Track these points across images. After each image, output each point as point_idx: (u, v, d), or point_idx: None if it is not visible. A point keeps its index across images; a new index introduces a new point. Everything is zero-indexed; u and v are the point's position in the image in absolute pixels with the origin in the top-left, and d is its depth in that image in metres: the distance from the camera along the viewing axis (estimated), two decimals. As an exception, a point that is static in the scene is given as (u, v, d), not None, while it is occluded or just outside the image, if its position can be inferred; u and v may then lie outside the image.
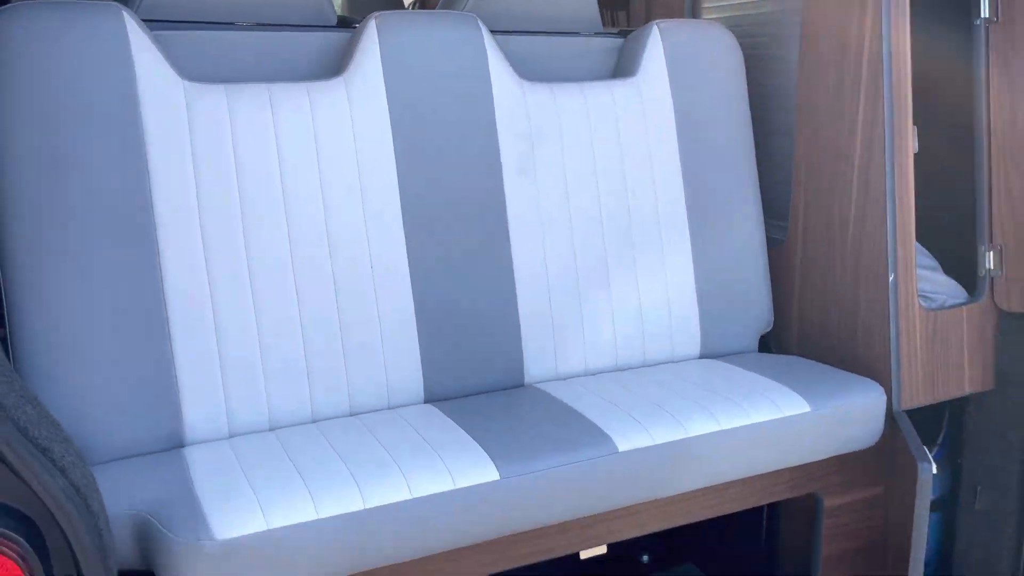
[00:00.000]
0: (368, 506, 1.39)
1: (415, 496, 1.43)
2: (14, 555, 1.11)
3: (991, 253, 2.06)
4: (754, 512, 2.14)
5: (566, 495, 1.56)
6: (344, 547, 1.38)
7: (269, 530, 1.32)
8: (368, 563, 1.42)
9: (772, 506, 2.11)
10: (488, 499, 1.48)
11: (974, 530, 2.17)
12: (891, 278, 1.93)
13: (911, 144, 1.94)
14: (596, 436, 1.61)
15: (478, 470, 1.49)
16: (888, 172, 1.92)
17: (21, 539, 1.11)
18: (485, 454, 1.51)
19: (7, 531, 1.11)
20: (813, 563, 1.97)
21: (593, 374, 1.98)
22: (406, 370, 1.79)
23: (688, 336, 2.08)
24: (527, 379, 1.91)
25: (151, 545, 1.34)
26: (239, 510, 1.33)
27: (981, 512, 2.15)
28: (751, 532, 2.17)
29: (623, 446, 1.59)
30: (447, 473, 1.47)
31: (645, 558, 2.43)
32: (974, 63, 2.02)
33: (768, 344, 2.23)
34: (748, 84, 2.18)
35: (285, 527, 1.33)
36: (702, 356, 2.10)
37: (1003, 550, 2.12)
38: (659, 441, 1.62)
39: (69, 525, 1.15)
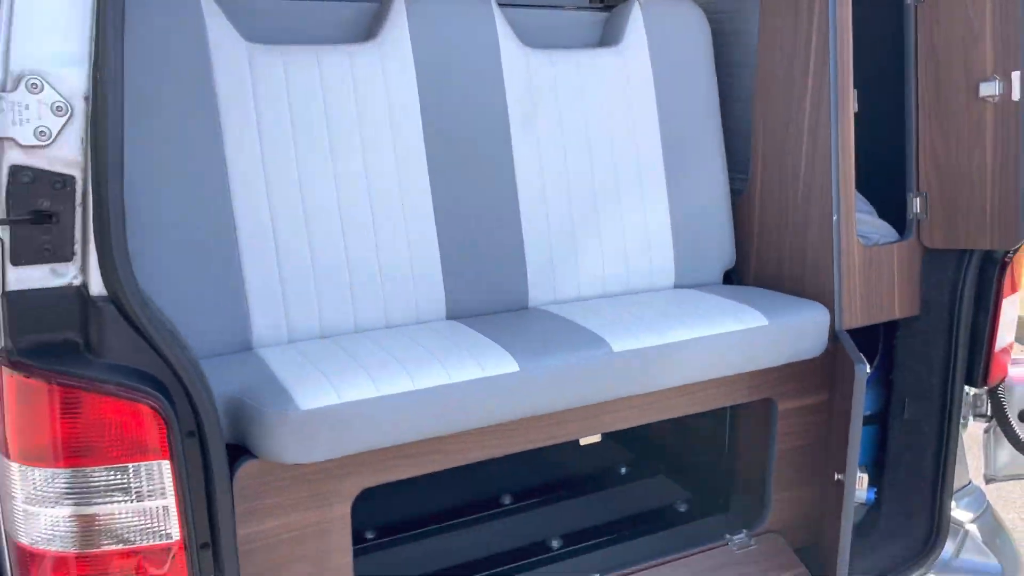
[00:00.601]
0: (416, 388, 1.71)
1: (453, 381, 1.75)
2: (157, 407, 1.42)
3: (917, 199, 2.43)
4: (719, 421, 2.50)
5: (571, 386, 1.89)
6: (398, 420, 1.70)
7: (341, 403, 1.64)
8: (415, 435, 1.74)
9: (734, 415, 2.47)
10: (509, 387, 1.81)
11: (904, 436, 2.55)
12: (835, 218, 2.29)
13: (852, 105, 2.30)
14: (594, 340, 1.94)
15: (502, 363, 1.81)
16: (833, 129, 2.27)
17: (160, 396, 1.42)
18: (506, 352, 1.84)
19: (150, 390, 1.41)
20: (768, 459, 2.33)
21: (585, 299, 2.32)
22: (431, 291, 2.11)
23: (664, 270, 2.43)
24: (530, 303, 2.25)
25: (243, 419, 1.65)
26: (315, 388, 1.65)
27: (909, 421, 2.54)
28: (716, 439, 2.54)
29: (616, 348, 1.93)
30: (477, 365, 1.79)
31: (623, 470, 2.79)
32: (904, 37, 2.38)
33: (731, 278, 2.59)
34: (714, 54, 2.53)
35: (353, 401, 1.65)
36: (676, 287, 2.45)
37: (927, 452, 2.50)
38: (645, 345, 1.97)
39: (194, 389, 1.45)
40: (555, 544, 2.37)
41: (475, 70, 2.18)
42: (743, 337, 2.09)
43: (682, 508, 2.57)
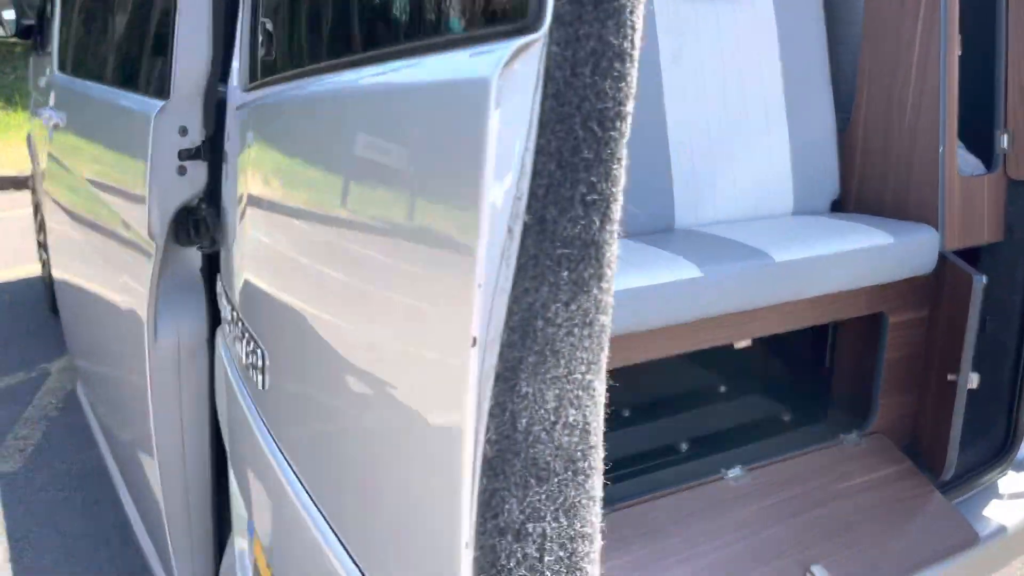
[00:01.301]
0: (623, 287, 1.95)
1: (652, 283, 1.99)
2: None
3: (1005, 135, 2.70)
4: (812, 339, 2.77)
5: (742, 291, 2.14)
6: (621, 312, 1.94)
7: None
8: (618, 330, 1.98)
9: (836, 330, 2.75)
10: (693, 290, 2.06)
11: (985, 349, 2.85)
12: (941, 150, 2.56)
13: (956, 48, 2.56)
14: (755, 252, 2.20)
15: (687, 269, 2.06)
16: (941, 70, 2.54)
17: None
18: (688, 260, 2.09)
19: None
20: (877, 368, 2.61)
21: (720, 223, 2.57)
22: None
23: (785, 198, 2.68)
24: (676, 224, 2.49)
25: None
26: None
27: (989, 334, 2.83)
28: (809, 356, 2.81)
29: (777, 258, 2.19)
30: (668, 270, 2.04)
31: (723, 388, 3.06)
32: None
33: (835, 208, 2.85)
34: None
35: None
36: (794, 214, 2.71)
37: (1006, 362, 2.80)
38: (798, 256, 2.22)
39: None
40: (684, 447, 2.63)
41: (633, 13, 2.40)
42: (871, 254, 2.35)
43: (787, 418, 2.84)
